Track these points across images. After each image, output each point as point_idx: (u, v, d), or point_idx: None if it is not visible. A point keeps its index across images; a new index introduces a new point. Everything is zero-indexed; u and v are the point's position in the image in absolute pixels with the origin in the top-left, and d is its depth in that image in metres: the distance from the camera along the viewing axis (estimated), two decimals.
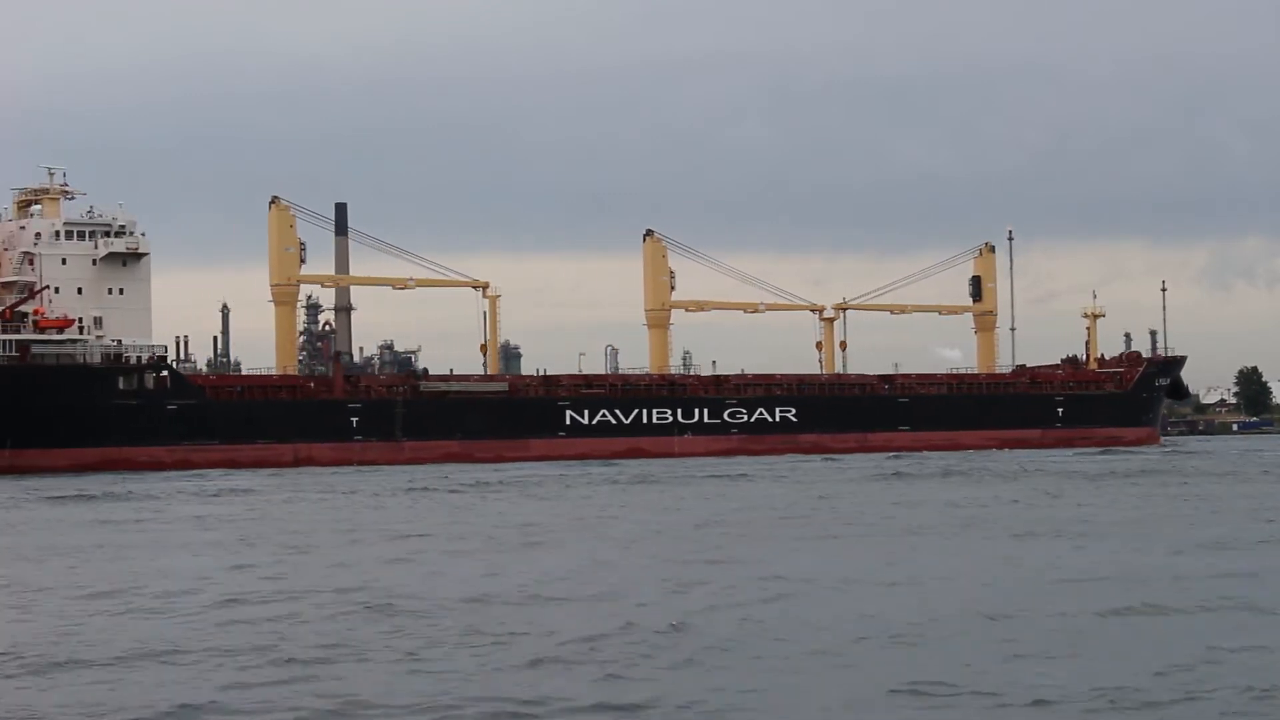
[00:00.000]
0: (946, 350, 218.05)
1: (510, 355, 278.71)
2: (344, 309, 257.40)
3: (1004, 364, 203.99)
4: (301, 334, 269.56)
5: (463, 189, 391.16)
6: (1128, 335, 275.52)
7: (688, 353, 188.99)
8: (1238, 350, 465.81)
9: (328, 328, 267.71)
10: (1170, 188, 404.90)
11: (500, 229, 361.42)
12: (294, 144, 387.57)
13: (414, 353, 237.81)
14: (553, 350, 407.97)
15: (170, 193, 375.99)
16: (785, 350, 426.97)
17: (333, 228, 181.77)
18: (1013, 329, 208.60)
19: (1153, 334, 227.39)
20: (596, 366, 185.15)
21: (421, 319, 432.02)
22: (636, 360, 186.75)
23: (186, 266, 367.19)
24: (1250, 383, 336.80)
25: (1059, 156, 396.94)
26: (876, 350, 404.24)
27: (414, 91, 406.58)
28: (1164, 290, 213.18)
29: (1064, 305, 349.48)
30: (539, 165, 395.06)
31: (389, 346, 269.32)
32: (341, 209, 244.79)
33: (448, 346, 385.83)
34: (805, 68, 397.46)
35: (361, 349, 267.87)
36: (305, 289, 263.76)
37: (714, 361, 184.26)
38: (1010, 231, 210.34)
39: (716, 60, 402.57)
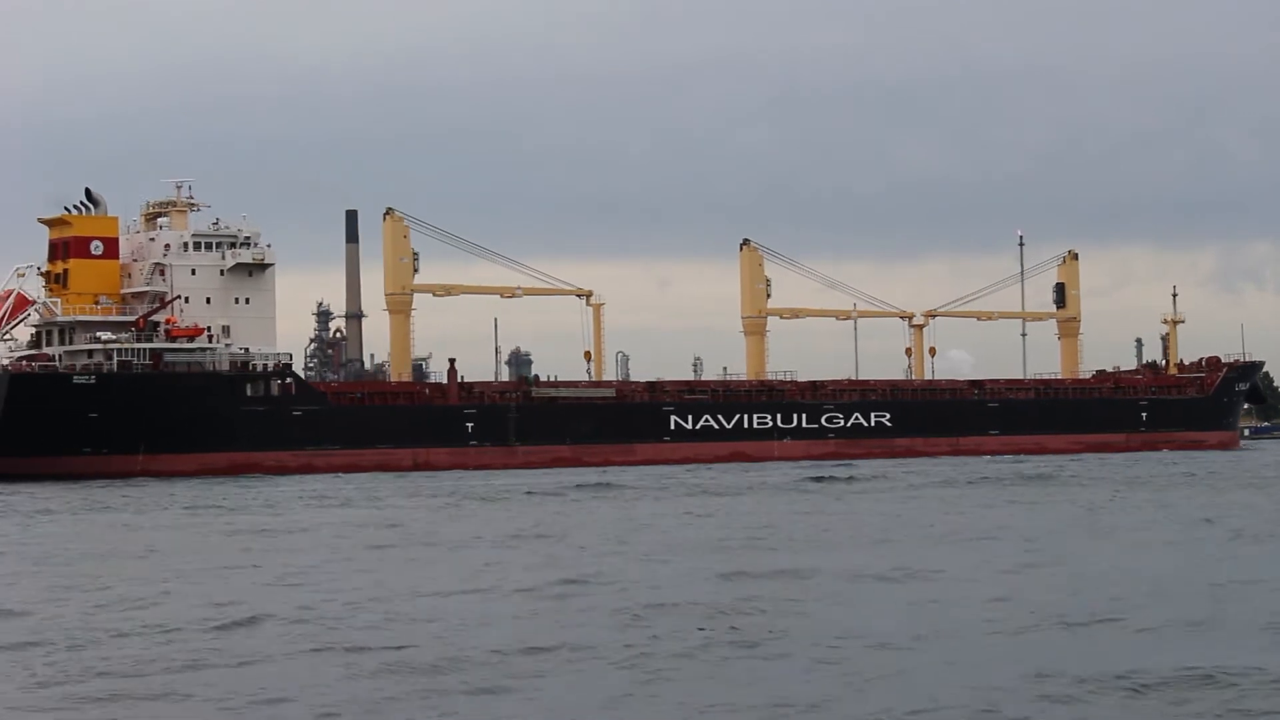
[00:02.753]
0: (954, 352, 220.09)
1: (521, 361, 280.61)
2: (355, 316, 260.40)
3: (1014, 371, 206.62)
4: (312, 341, 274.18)
5: (467, 193, 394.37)
6: (1139, 340, 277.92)
7: (789, 371, 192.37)
8: (1245, 354, 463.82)
9: (339, 335, 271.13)
10: (1177, 191, 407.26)
11: (505, 234, 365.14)
12: (298, 149, 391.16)
13: (424, 359, 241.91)
14: (562, 356, 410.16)
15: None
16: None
17: (440, 237, 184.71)
18: (1023, 334, 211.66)
19: (1164, 339, 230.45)
20: (607, 373, 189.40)
21: (430, 325, 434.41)
22: (648, 366, 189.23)
23: None
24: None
25: (1065, 160, 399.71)
26: (892, 355, 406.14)
27: (421, 97, 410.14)
28: (1175, 295, 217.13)
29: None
30: (543, 170, 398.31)
31: None
32: (352, 216, 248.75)
33: (454, 353, 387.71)
34: (810, 72, 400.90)
35: (373, 356, 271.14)
36: (315, 296, 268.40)
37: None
38: (1021, 236, 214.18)
39: (720, 64, 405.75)
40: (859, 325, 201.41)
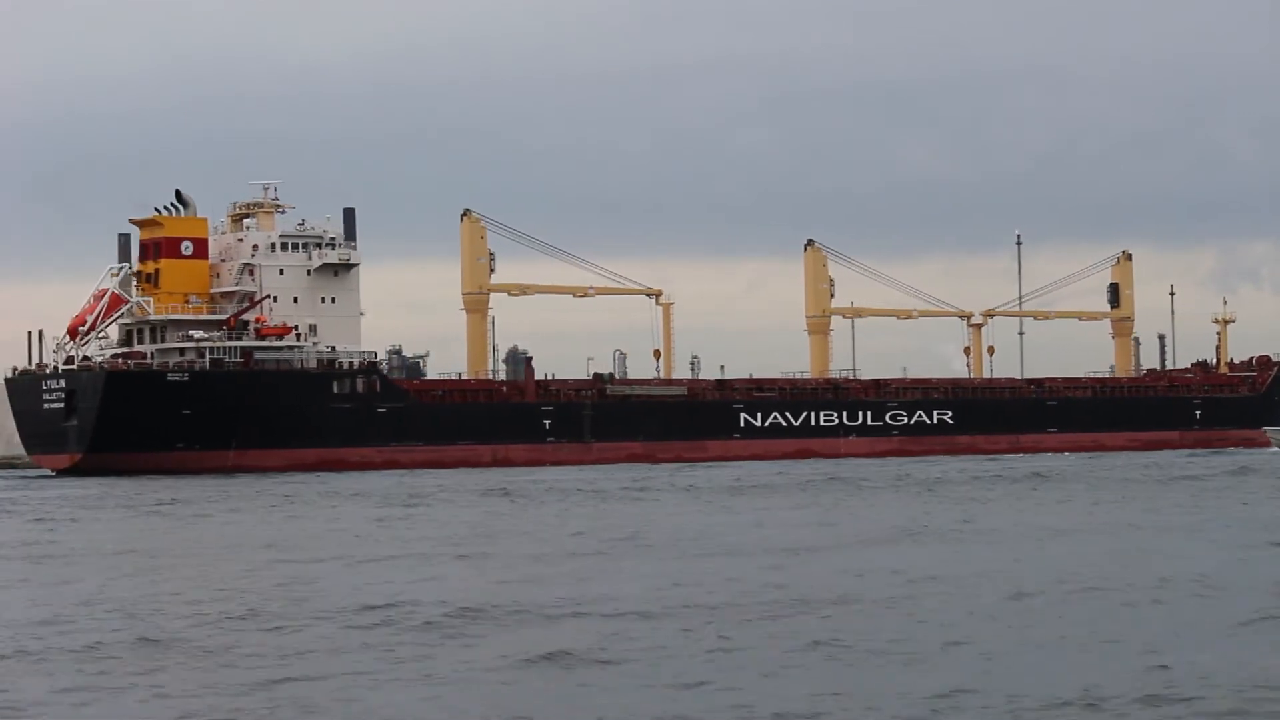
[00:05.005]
0: (950, 350, 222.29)
1: (519, 360, 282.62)
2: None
3: (1013, 370, 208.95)
4: None
5: (467, 193, 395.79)
6: (1137, 340, 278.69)
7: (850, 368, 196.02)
8: (1244, 354, 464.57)
9: None
10: (1177, 191, 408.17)
11: (505, 233, 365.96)
12: (299, 149, 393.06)
13: (422, 358, 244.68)
14: (560, 354, 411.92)
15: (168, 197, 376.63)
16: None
17: (516, 237, 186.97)
18: (1021, 334, 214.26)
19: (1161, 338, 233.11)
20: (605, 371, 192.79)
21: (426, 325, 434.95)
22: (647, 365, 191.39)
23: None
24: None
25: (1065, 160, 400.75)
26: (883, 354, 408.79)
27: (420, 97, 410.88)
28: (1172, 294, 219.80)
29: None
30: (542, 170, 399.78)
31: (397, 351, 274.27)
32: (350, 214, 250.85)
33: (453, 353, 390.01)
34: (810, 72, 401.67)
35: (373, 354, 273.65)
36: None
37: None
38: (1019, 236, 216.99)
39: (720, 64, 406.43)
40: (856, 324, 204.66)
